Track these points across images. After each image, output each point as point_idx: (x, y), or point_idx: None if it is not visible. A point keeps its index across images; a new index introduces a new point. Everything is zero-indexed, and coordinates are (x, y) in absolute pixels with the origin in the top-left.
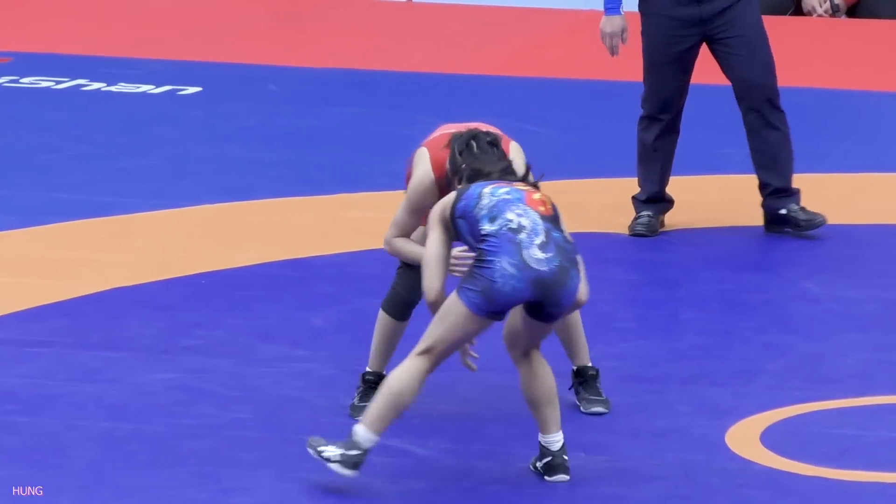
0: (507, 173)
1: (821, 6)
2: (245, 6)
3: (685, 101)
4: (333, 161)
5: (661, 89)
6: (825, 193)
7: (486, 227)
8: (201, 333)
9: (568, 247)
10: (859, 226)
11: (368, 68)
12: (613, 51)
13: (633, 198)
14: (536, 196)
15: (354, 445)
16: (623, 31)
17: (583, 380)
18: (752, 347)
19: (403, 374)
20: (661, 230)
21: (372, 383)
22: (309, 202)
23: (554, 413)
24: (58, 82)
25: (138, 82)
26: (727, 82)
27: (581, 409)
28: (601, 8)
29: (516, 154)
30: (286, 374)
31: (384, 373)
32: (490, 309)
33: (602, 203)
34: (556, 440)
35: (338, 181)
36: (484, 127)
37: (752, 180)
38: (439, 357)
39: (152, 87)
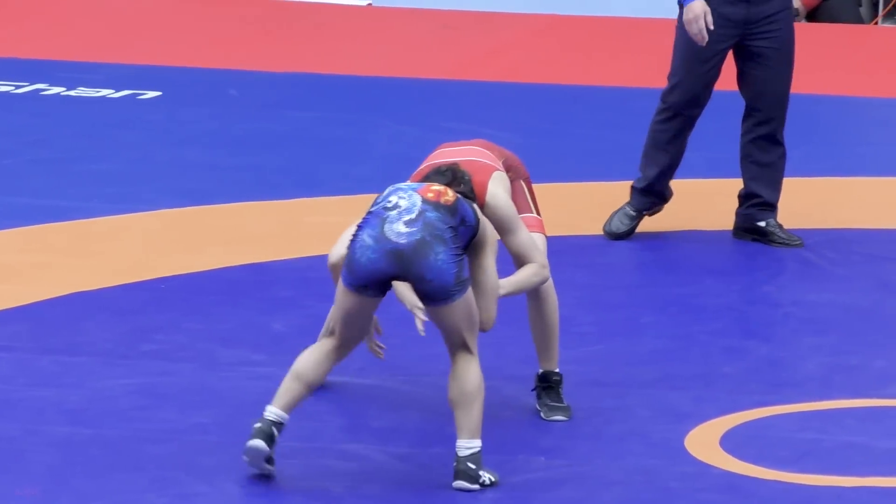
0: None
1: None
2: (205, 11)
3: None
4: (293, 165)
5: (694, 85)
6: (784, 197)
7: (370, 209)
8: (162, 338)
9: (440, 225)
10: (819, 230)
11: (328, 72)
12: (702, 34)
13: (633, 186)
14: (436, 187)
15: (259, 420)
16: (706, 13)
17: (546, 385)
18: (712, 351)
19: (308, 350)
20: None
21: None
22: (269, 206)
23: (466, 418)
24: (17, 87)
25: (98, 87)
26: None
27: (542, 415)
28: (561, 12)
29: (494, 186)
30: (246, 379)
31: None
32: (352, 281)
33: (563, 207)
34: (464, 446)
35: (298, 185)
36: (470, 155)
37: (711, 184)
38: (338, 336)
39: (112, 91)
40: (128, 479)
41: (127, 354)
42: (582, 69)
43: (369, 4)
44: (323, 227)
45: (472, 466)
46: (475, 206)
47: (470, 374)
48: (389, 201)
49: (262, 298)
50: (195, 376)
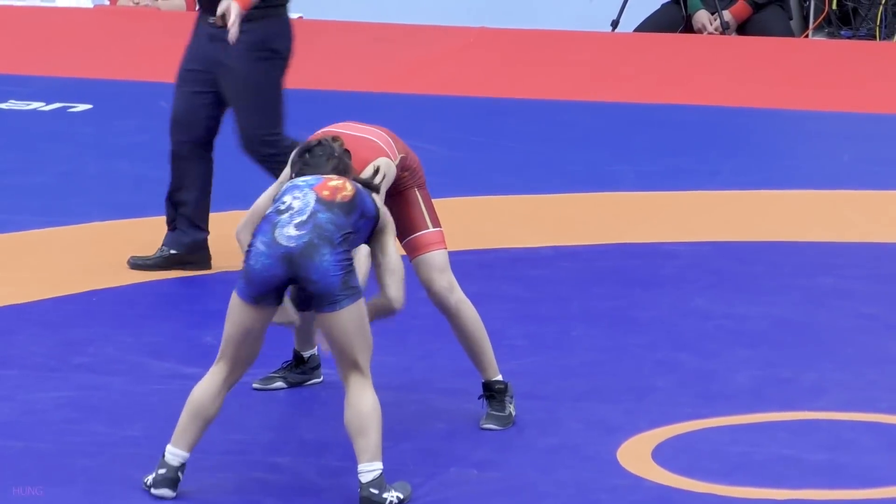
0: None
1: (711, 24)
2: (136, 23)
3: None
4: (223, 178)
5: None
6: (715, 210)
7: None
8: (92, 351)
9: (329, 227)
10: (749, 242)
11: None
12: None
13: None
14: (333, 182)
15: (162, 464)
16: None
17: (490, 394)
18: (643, 364)
19: (202, 384)
20: (552, 245)
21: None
22: None
23: (364, 442)
24: None
25: (28, 99)
26: (618, 99)
27: (481, 422)
28: (491, 25)
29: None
30: (178, 392)
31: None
32: (250, 291)
33: (493, 219)
34: (365, 470)
35: (228, 198)
36: (368, 134)
37: (640, 197)
38: (231, 360)
39: (43, 104)
40: (58, 493)
41: (58, 367)
42: (511, 82)
43: (300, 17)
44: None
45: (375, 492)
46: (374, 195)
47: (365, 398)
48: (284, 202)
49: (193, 311)
50: (126, 389)
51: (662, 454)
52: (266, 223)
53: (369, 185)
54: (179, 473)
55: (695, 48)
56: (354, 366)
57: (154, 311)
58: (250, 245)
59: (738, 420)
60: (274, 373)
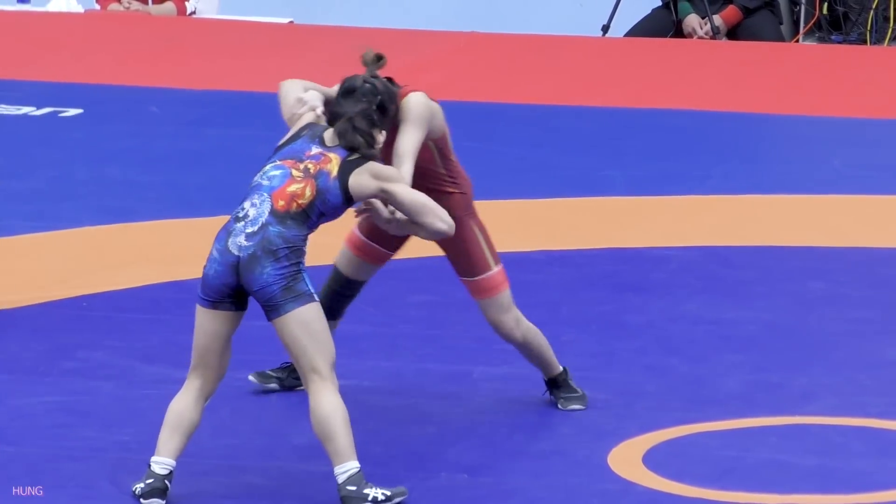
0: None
1: (701, 28)
2: (126, 28)
3: None
4: (214, 183)
5: None
6: (706, 215)
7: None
8: (83, 356)
9: (277, 241)
10: (740, 247)
11: (249, 90)
12: None
13: None
14: (293, 188)
15: (149, 475)
16: None
17: (556, 384)
18: (634, 369)
19: (178, 397)
20: (542, 250)
21: None
22: (189, 224)
23: (331, 446)
24: None
25: (19, 104)
26: (609, 104)
27: (559, 406)
28: (482, 30)
29: (405, 109)
30: (168, 397)
31: None
32: (204, 295)
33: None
34: (339, 472)
35: (219, 203)
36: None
37: (631, 202)
38: (202, 371)
39: (34, 108)
40: (49, 498)
41: (48, 372)
42: (502, 87)
43: (291, 22)
44: None
45: (353, 488)
46: (348, 178)
47: (323, 402)
48: (243, 208)
49: (183, 316)
50: (116, 394)
51: (653, 459)
52: (223, 231)
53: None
54: (167, 482)
55: (685, 53)
56: (312, 369)
57: (144, 316)
58: (210, 252)
59: (728, 425)
60: (272, 371)
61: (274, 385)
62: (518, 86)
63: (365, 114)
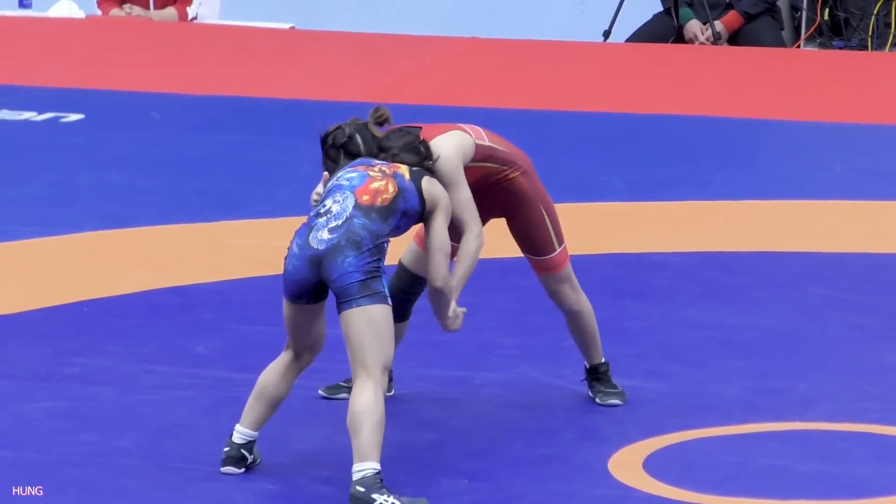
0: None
1: (702, 34)
2: (128, 34)
3: None
4: (215, 188)
5: None
6: (706, 221)
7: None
8: (83, 361)
9: (361, 233)
10: (740, 253)
11: (250, 95)
12: None
13: None
14: (375, 185)
15: (228, 443)
16: None
17: (596, 376)
18: (634, 375)
19: (270, 367)
20: None
21: None
22: (190, 229)
23: (355, 442)
24: None
25: (21, 109)
26: (609, 109)
27: (597, 401)
28: (483, 35)
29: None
30: (168, 402)
31: None
32: (287, 291)
33: (484, 230)
34: (355, 471)
35: (219, 208)
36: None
37: (630, 207)
38: (293, 347)
39: (35, 114)
40: (49, 502)
41: (48, 377)
42: (503, 92)
43: (292, 27)
44: (244, 251)
45: (361, 489)
46: (421, 183)
47: (361, 397)
48: (325, 205)
49: (184, 321)
50: (117, 399)
51: (654, 464)
52: (305, 227)
53: (422, 163)
54: (244, 451)
55: (686, 58)
56: (363, 366)
57: (145, 321)
58: (289, 246)
59: (729, 430)
60: (343, 382)
61: (345, 395)
62: (519, 91)
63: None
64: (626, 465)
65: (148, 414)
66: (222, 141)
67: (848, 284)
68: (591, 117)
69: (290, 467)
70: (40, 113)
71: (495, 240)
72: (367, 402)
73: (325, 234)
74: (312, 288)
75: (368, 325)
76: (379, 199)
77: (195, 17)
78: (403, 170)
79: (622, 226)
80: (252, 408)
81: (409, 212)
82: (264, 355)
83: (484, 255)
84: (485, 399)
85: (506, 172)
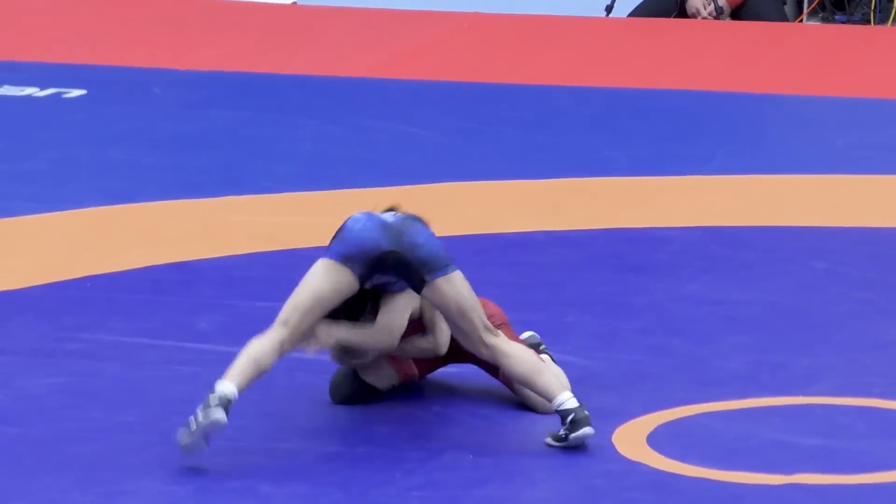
0: None
1: (705, 8)
2: (130, 9)
3: None
4: (217, 164)
5: None
6: (709, 196)
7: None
8: (86, 337)
9: (419, 218)
10: (743, 227)
11: (252, 71)
12: None
13: None
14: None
15: (211, 396)
16: None
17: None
18: (637, 350)
19: (259, 339)
20: (545, 230)
21: None
22: (193, 205)
23: (550, 378)
24: None
25: (23, 85)
26: (612, 84)
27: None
28: (485, 10)
29: None
30: (171, 378)
31: None
32: (343, 249)
33: (486, 205)
34: (567, 398)
35: (221, 184)
36: None
37: (632, 182)
38: (292, 328)
39: (37, 89)
40: (53, 479)
41: (51, 353)
42: (505, 67)
43: (294, 3)
44: (247, 226)
45: (587, 414)
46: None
47: (517, 348)
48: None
49: (187, 297)
50: (120, 375)
51: (657, 439)
52: (358, 212)
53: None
54: (230, 401)
55: (689, 33)
56: (485, 329)
57: (148, 297)
58: (344, 221)
59: (732, 405)
60: None
61: None
62: (521, 66)
63: None
64: (630, 439)
65: (151, 390)
66: (225, 117)
67: (851, 259)
68: (593, 92)
69: (297, 444)
70: (42, 89)
71: (495, 215)
72: (524, 351)
73: (386, 215)
74: (375, 256)
75: (467, 289)
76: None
77: None
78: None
79: (625, 201)
80: (244, 370)
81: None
82: None
83: (484, 230)
84: (488, 375)
85: None
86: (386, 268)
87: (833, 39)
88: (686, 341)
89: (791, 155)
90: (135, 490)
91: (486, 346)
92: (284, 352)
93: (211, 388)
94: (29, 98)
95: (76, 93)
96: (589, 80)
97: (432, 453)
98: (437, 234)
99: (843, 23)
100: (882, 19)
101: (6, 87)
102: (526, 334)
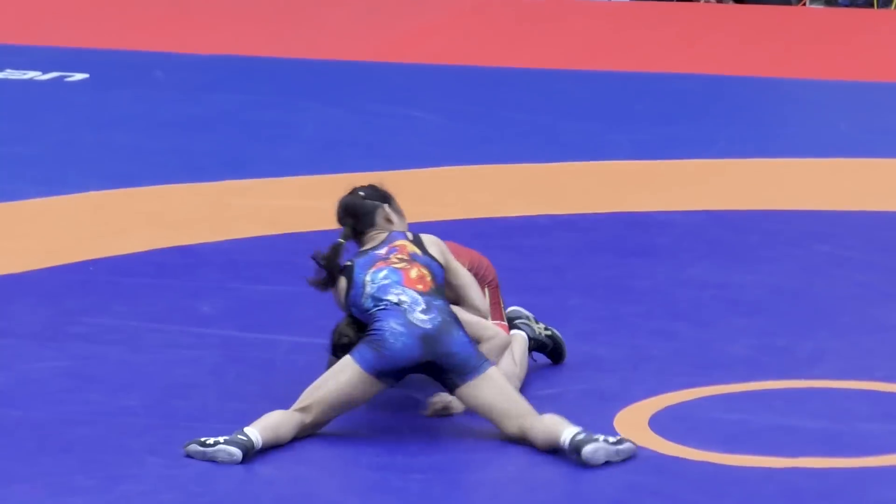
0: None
1: None
2: None
3: None
4: (220, 148)
5: None
6: (711, 179)
7: (372, 309)
8: (89, 320)
9: (449, 310)
10: (745, 211)
11: (254, 55)
12: None
13: None
14: (414, 275)
15: (240, 432)
16: None
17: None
18: (640, 333)
19: (282, 413)
20: (548, 214)
21: None
22: (196, 189)
23: (557, 418)
24: None
25: (25, 69)
26: (615, 68)
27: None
28: None
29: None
30: (174, 361)
31: None
32: (379, 365)
33: (490, 189)
34: (573, 429)
35: (224, 168)
36: None
37: (636, 166)
38: (315, 416)
39: (40, 73)
40: (55, 462)
41: (54, 336)
42: (508, 51)
43: None
44: (249, 210)
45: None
46: (429, 249)
47: (557, 420)
48: (391, 300)
49: (190, 281)
50: (123, 358)
51: (659, 423)
52: (394, 310)
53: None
54: (255, 448)
55: (692, 17)
56: (528, 412)
57: (150, 281)
58: (379, 327)
59: (734, 389)
60: None
61: None
62: (524, 50)
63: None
64: (632, 423)
65: (154, 373)
66: (227, 100)
67: (854, 242)
68: (596, 76)
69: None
70: (45, 72)
71: (498, 199)
72: (560, 421)
73: (421, 315)
74: (413, 367)
75: (503, 380)
76: (427, 284)
77: None
78: (409, 247)
79: (628, 184)
80: (272, 428)
81: (439, 276)
82: (269, 314)
83: (488, 214)
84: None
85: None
86: (418, 370)
87: (836, 23)
88: (688, 325)
89: (794, 138)
90: (137, 473)
91: (524, 426)
92: (302, 434)
93: (240, 429)
94: (31, 82)
95: (78, 76)
96: (592, 63)
97: (435, 435)
98: (441, 219)
99: (846, 6)
100: (885, 2)
101: (8, 70)
102: (511, 309)
